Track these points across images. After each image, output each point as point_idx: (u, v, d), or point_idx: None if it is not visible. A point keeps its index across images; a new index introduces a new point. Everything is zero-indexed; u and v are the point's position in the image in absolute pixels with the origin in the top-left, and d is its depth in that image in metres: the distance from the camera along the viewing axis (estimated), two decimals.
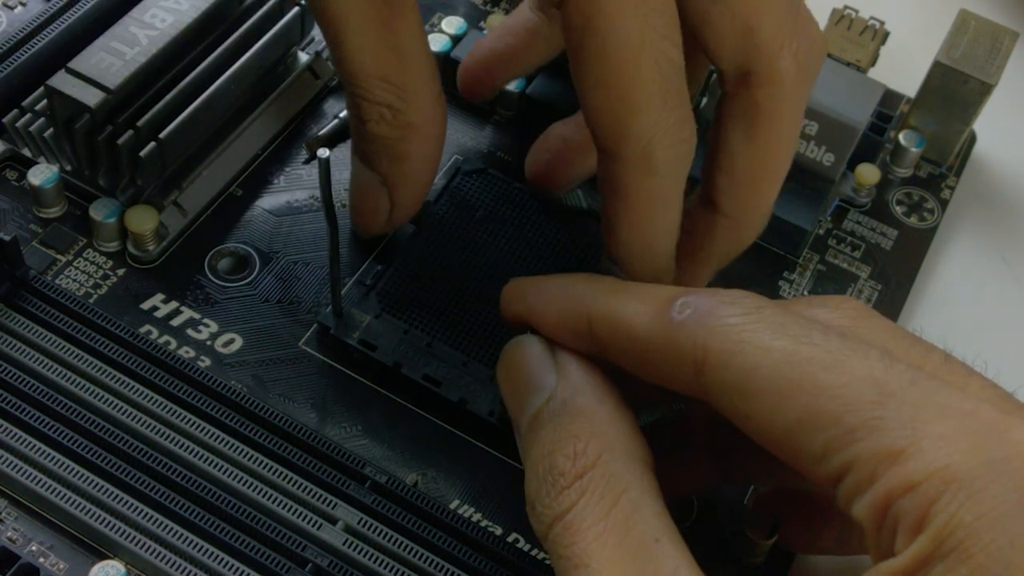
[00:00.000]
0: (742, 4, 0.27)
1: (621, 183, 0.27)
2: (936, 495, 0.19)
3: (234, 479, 0.28)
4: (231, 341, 0.32)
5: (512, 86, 0.38)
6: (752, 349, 0.22)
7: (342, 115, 0.38)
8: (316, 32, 0.38)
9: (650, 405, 0.29)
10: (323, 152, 0.28)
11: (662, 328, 0.24)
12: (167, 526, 0.27)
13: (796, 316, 0.23)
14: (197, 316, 0.33)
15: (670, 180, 0.27)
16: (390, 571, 0.27)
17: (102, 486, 0.28)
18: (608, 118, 0.26)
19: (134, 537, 0.27)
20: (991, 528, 0.19)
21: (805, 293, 0.37)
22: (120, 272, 0.33)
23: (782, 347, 0.22)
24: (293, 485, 0.28)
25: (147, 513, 0.27)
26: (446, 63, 0.38)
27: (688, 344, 0.23)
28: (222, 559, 0.27)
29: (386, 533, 0.28)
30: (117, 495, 0.28)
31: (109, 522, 0.27)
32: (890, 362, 0.22)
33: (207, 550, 0.27)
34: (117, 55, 0.32)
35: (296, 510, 0.28)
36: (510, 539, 0.29)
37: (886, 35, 0.41)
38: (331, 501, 0.28)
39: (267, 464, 0.29)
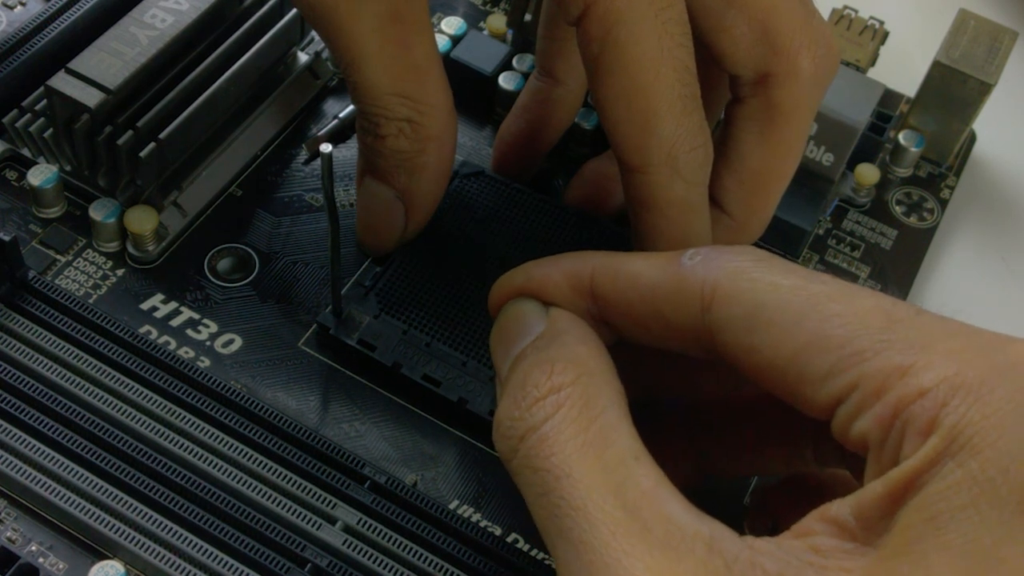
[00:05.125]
0: (757, 7, 0.28)
1: (649, 194, 0.28)
2: (946, 399, 0.20)
3: (234, 479, 0.28)
4: (231, 341, 0.32)
5: (512, 86, 0.38)
6: (762, 285, 0.23)
7: (342, 115, 0.38)
8: (316, 32, 0.38)
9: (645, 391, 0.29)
10: (326, 147, 0.28)
11: (671, 274, 0.24)
12: (167, 526, 0.27)
13: (800, 266, 0.24)
14: (197, 316, 0.33)
15: (695, 185, 0.28)
16: (389, 571, 0.27)
17: (102, 486, 0.28)
18: (631, 129, 0.27)
19: (134, 537, 0.27)
20: (999, 426, 0.19)
21: None
22: (120, 272, 0.33)
23: (792, 283, 0.23)
24: (293, 485, 0.28)
25: (147, 513, 0.27)
26: (446, 63, 0.38)
27: (697, 284, 0.24)
28: (222, 559, 0.27)
29: (385, 533, 0.28)
30: (117, 495, 0.28)
31: (109, 522, 0.27)
32: (896, 299, 0.22)
33: (207, 550, 0.27)
34: (117, 55, 0.32)
35: (296, 510, 0.28)
36: (510, 539, 0.29)
37: (886, 35, 0.41)
38: (330, 501, 0.28)
39: (267, 464, 0.29)
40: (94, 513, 0.27)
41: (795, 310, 0.22)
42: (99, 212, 0.33)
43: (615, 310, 0.25)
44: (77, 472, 0.28)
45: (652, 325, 0.25)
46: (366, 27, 0.28)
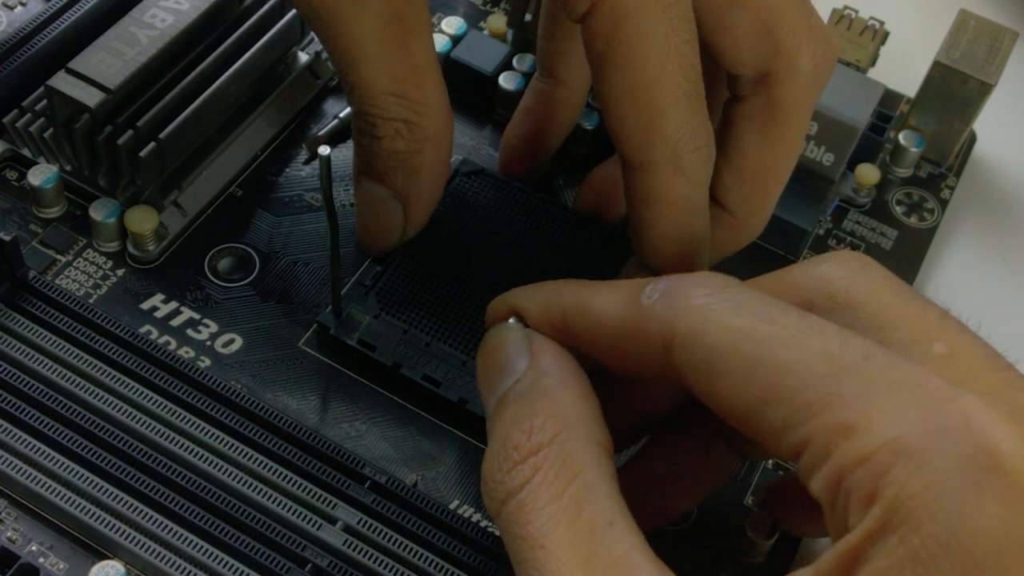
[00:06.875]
0: (759, 6, 0.28)
1: (651, 192, 0.28)
2: (886, 467, 0.19)
3: (234, 479, 0.28)
4: (231, 341, 0.32)
5: (512, 86, 0.38)
6: (714, 328, 0.23)
7: (342, 115, 0.38)
8: (314, 32, 0.38)
9: (634, 421, 0.29)
10: (324, 150, 0.28)
11: (633, 313, 0.24)
12: (167, 526, 0.27)
13: (759, 295, 0.23)
14: (197, 316, 0.33)
15: (696, 184, 0.28)
16: (390, 571, 0.27)
17: (102, 486, 0.28)
18: (636, 126, 0.27)
19: (134, 537, 0.27)
20: (939, 497, 0.19)
21: None
22: (120, 272, 0.33)
23: (741, 325, 0.22)
24: (293, 485, 0.28)
25: (147, 513, 0.27)
26: (446, 63, 0.38)
27: (656, 326, 0.24)
28: (222, 559, 0.27)
29: (386, 533, 0.28)
30: (117, 495, 0.28)
31: (109, 522, 0.27)
32: (846, 337, 0.22)
33: (207, 550, 0.27)
34: (117, 55, 0.32)
35: (296, 510, 0.28)
36: None
37: (886, 35, 0.41)
38: (331, 501, 0.28)
39: (267, 464, 0.29)
40: (94, 513, 0.27)
41: (747, 356, 0.22)
42: (99, 212, 0.33)
43: (589, 349, 0.25)
44: (77, 472, 0.28)
45: (625, 364, 0.25)
46: (367, 27, 0.28)
